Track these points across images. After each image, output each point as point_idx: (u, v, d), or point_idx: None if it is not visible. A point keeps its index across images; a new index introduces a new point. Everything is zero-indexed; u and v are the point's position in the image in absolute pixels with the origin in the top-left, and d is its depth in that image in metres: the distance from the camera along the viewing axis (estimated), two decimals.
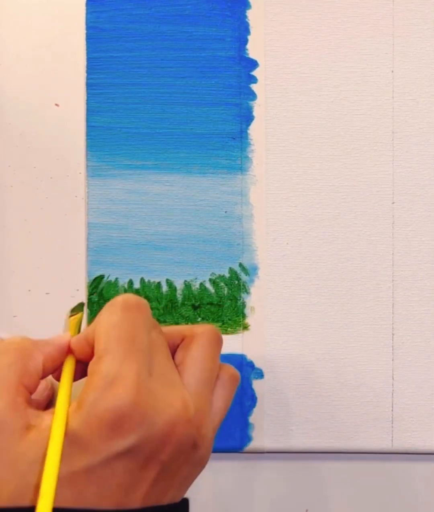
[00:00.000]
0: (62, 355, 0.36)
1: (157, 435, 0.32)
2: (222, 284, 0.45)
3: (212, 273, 0.45)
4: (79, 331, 0.40)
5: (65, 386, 0.35)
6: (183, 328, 0.37)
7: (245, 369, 0.45)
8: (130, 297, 0.35)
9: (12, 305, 0.46)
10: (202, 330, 0.36)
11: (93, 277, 0.45)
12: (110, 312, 0.34)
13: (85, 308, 0.45)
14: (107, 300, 0.45)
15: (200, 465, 0.35)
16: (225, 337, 0.45)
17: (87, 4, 0.45)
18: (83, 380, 0.34)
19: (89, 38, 0.45)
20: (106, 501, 0.32)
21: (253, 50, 0.45)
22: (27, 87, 0.46)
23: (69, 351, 0.36)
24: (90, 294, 0.45)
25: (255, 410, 0.45)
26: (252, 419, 0.45)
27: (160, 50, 0.45)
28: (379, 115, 0.45)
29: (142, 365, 0.33)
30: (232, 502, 0.46)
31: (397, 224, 0.45)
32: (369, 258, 0.45)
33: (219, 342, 0.36)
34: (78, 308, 0.44)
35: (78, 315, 0.42)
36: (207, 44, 0.45)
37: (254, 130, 0.45)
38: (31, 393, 0.34)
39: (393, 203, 0.45)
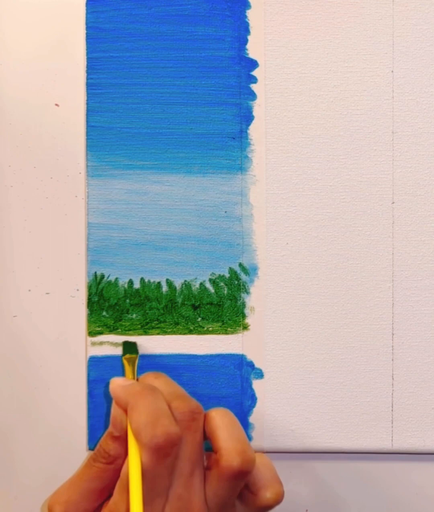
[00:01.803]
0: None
1: None
2: (222, 284, 0.45)
3: (212, 273, 0.45)
4: (134, 372, 0.43)
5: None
6: (216, 448, 0.39)
7: (245, 369, 0.45)
8: (160, 438, 0.37)
9: (12, 305, 0.46)
10: (224, 463, 0.38)
11: (93, 277, 0.45)
12: (141, 454, 0.38)
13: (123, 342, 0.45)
14: (107, 300, 0.45)
15: None
16: (225, 337, 0.45)
17: (87, 4, 0.45)
18: None
19: (89, 38, 0.45)
20: None
21: (253, 50, 0.45)
22: (27, 87, 0.46)
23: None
24: (90, 294, 0.45)
25: (255, 410, 0.45)
26: (252, 419, 0.45)
27: (160, 50, 0.45)
28: (379, 115, 0.45)
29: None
30: None
31: (397, 224, 0.45)
32: (369, 258, 0.45)
33: (239, 477, 0.38)
34: (129, 348, 0.44)
35: (133, 356, 0.43)
36: (207, 44, 0.45)
37: (254, 130, 0.45)
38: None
39: (393, 203, 0.45)
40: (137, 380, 0.42)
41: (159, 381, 0.41)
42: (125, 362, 0.43)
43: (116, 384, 0.41)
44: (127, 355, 0.43)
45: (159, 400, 0.39)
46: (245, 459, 0.38)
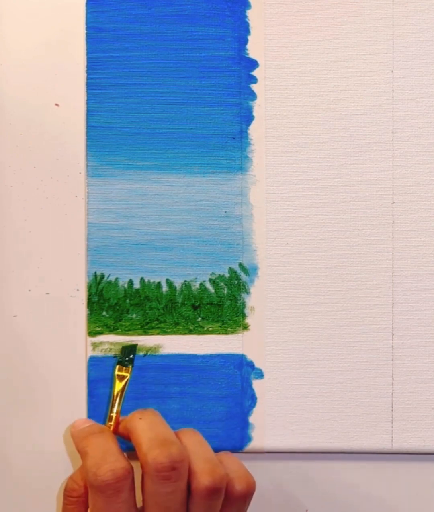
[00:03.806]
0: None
1: None
2: (222, 284, 0.45)
3: (212, 273, 0.45)
4: (123, 390, 0.43)
5: None
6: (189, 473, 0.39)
7: (245, 369, 0.45)
8: (105, 475, 0.38)
9: (12, 305, 0.46)
10: (196, 484, 0.39)
11: (93, 277, 0.45)
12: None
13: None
14: (107, 300, 0.45)
15: None
16: (225, 337, 0.45)
17: (87, 4, 0.45)
18: None
19: (89, 38, 0.45)
20: None
21: (253, 50, 0.45)
22: (27, 87, 0.46)
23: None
24: (90, 294, 0.45)
25: (255, 410, 0.45)
26: (252, 419, 0.45)
27: (160, 50, 0.45)
28: (379, 115, 0.45)
29: None
30: None
31: (397, 224, 0.45)
32: (369, 258, 0.45)
33: (214, 495, 0.39)
34: (126, 355, 0.45)
35: (124, 375, 0.44)
36: (207, 44, 0.45)
37: (254, 130, 0.45)
38: None
39: (393, 203, 0.45)
40: (122, 421, 0.43)
41: (144, 423, 0.41)
42: (116, 378, 0.44)
43: (74, 427, 0.42)
44: (118, 372, 0.44)
45: (108, 440, 0.40)
46: (215, 478, 0.39)
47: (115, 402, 0.43)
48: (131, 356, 0.44)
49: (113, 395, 0.43)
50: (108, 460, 0.38)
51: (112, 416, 0.43)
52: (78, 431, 0.42)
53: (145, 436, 0.39)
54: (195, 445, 0.40)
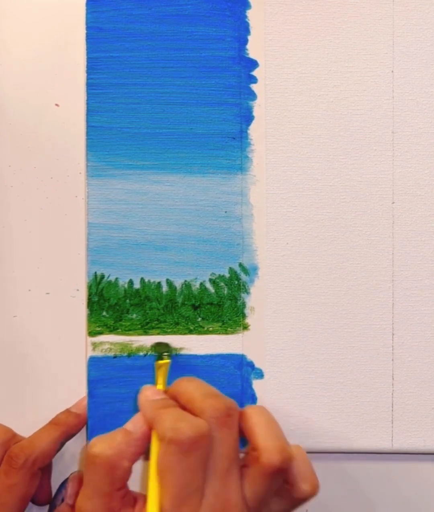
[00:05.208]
0: (145, 444, 0.39)
1: None
2: (222, 284, 0.45)
3: (212, 273, 0.45)
4: (164, 377, 0.43)
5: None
6: (254, 446, 0.38)
7: (245, 369, 0.45)
8: (184, 429, 0.37)
9: (12, 305, 0.46)
10: (265, 460, 0.38)
11: (93, 277, 0.45)
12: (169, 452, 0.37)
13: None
14: (107, 300, 0.45)
15: None
16: (225, 337, 0.45)
17: (87, 4, 0.45)
18: None
19: (89, 38, 0.45)
20: None
21: (253, 50, 0.45)
22: (27, 87, 0.46)
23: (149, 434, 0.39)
24: (90, 294, 0.45)
25: None
26: None
27: (160, 50, 0.45)
28: (379, 115, 0.45)
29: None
30: None
31: (397, 224, 0.45)
32: (369, 258, 0.45)
33: (278, 474, 0.38)
34: (161, 351, 0.45)
35: (165, 362, 0.44)
36: (207, 44, 0.45)
37: (254, 130, 0.45)
38: (123, 488, 0.38)
39: (393, 203, 0.45)
40: (167, 390, 0.42)
41: (193, 384, 0.40)
42: (156, 368, 0.43)
43: (145, 396, 0.41)
44: (159, 362, 0.44)
45: (181, 410, 0.39)
46: (285, 457, 0.38)
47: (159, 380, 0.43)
48: (166, 352, 0.44)
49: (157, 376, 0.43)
50: (187, 418, 0.37)
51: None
52: (154, 401, 0.40)
53: (198, 392, 0.39)
54: (263, 420, 0.39)
